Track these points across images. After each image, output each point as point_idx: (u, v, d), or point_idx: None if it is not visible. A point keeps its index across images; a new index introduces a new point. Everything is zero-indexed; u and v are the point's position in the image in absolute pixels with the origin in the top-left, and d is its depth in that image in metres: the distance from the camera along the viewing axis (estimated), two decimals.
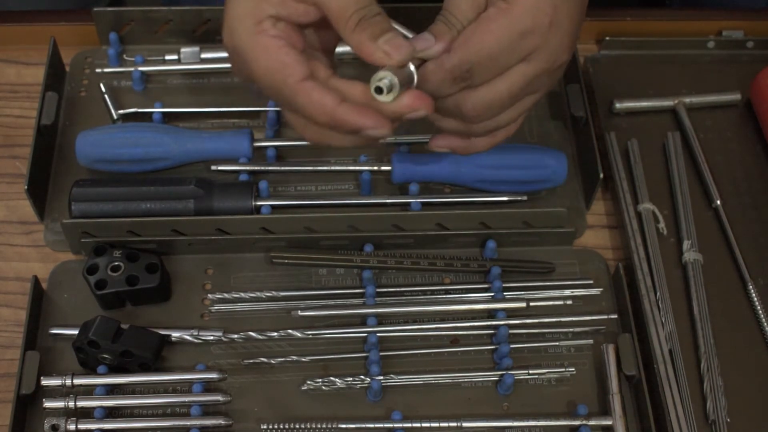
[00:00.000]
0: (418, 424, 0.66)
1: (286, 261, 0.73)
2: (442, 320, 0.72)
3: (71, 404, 0.65)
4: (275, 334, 0.69)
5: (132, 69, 0.82)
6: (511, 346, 0.69)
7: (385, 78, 0.55)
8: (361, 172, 0.77)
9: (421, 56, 0.58)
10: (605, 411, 0.68)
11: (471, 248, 0.75)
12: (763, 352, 0.72)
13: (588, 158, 0.77)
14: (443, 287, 0.73)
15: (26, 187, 0.72)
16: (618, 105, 0.82)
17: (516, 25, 0.58)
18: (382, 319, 0.71)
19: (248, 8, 0.57)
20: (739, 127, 0.83)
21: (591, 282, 0.74)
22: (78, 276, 0.71)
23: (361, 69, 0.83)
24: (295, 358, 0.69)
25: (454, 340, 0.72)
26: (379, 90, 0.55)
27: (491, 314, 0.72)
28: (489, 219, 0.73)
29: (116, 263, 0.70)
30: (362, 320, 0.71)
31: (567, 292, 0.73)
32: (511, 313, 0.71)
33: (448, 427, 0.66)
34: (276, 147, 0.78)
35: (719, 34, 0.87)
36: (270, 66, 0.57)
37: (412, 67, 0.56)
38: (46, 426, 0.65)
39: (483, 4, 0.59)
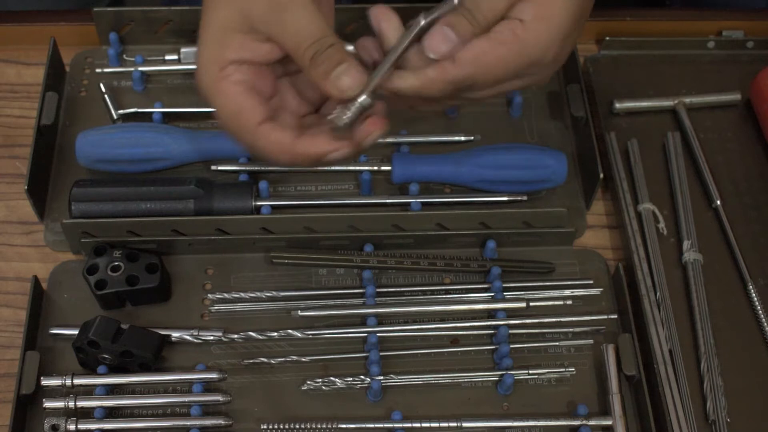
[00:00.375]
0: (418, 424, 0.66)
1: (286, 261, 0.73)
2: (442, 320, 0.72)
3: (71, 404, 0.65)
4: (275, 334, 0.69)
5: (132, 69, 0.82)
6: (511, 346, 0.69)
7: (340, 118, 0.56)
8: (361, 172, 0.77)
9: (441, 58, 0.57)
10: (605, 411, 0.68)
11: (471, 248, 0.75)
12: (763, 352, 0.72)
13: (588, 158, 0.77)
14: (443, 287, 0.73)
15: (26, 187, 0.72)
16: (618, 105, 0.82)
17: (525, 56, 0.58)
18: (382, 319, 0.71)
19: (213, 54, 0.58)
20: (739, 127, 0.83)
21: (591, 282, 0.74)
22: (78, 276, 0.71)
23: None
24: (295, 358, 0.69)
25: (454, 340, 0.72)
26: (339, 129, 0.57)
27: (491, 314, 0.72)
28: (489, 219, 0.73)
29: (116, 263, 0.70)
30: (362, 320, 0.71)
31: (567, 292, 0.73)
32: (511, 313, 0.71)
33: (448, 427, 0.66)
34: None
35: (719, 34, 0.87)
36: (229, 112, 0.58)
37: (363, 96, 0.56)
38: (46, 426, 0.65)
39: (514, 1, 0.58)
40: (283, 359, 0.69)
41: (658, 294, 0.72)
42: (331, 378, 0.68)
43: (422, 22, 0.58)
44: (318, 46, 0.56)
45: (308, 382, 0.68)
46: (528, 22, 0.57)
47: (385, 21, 0.59)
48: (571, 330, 0.72)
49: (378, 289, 0.72)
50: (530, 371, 0.69)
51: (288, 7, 0.56)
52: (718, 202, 0.77)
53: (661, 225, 0.76)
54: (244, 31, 0.58)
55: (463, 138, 0.80)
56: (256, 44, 0.58)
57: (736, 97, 0.83)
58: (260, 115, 0.58)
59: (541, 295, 0.73)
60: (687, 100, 0.83)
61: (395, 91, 0.58)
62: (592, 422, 0.67)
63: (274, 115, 0.59)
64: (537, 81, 0.62)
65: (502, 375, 0.68)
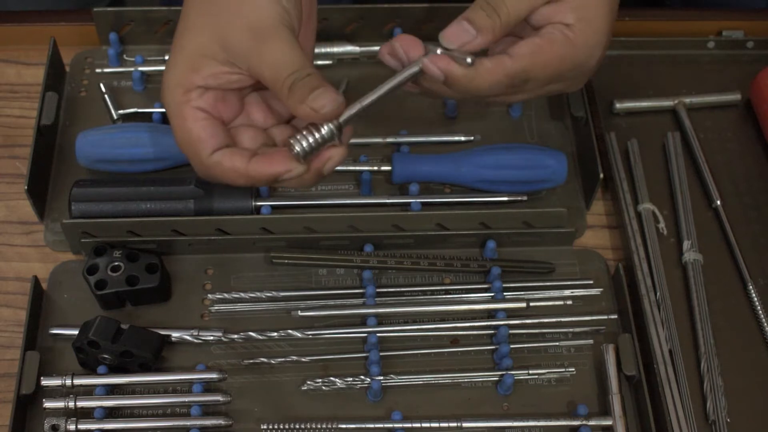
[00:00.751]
0: (418, 424, 0.66)
1: (286, 261, 0.73)
2: (442, 320, 0.72)
3: (71, 404, 0.65)
4: (275, 334, 0.69)
5: (132, 69, 0.82)
6: (511, 346, 0.69)
7: (296, 146, 0.56)
8: (361, 172, 0.77)
9: (464, 49, 0.58)
10: (605, 411, 0.68)
11: (471, 248, 0.75)
12: (763, 352, 0.72)
13: (588, 158, 0.77)
14: (443, 287, 0.73)
15: (26, 187, 0.72)
16: (618, 105, 0.82)
17: (576, 58, 0.59)
18: (382, 320, 0.71)
19: (180, 76, 0.58)
20: (739, 127, 0.83)
21: (591, 282, 0.74)
22: (78, 276, 0.71)
23: (363, 69, 0.83)
24: (295, 358, 0.69)
25: (454, 341, 0.72)
26: (297, 156, 0.57)
27: (491, 314, 0.72)
28: (489, 219, 0.73)
29: (116, 263, 0.70)
30: (362, 320, 0.71)
31: (567, 293, 0.73)
32: (511, 314, 0.71)
33: (448, 428, 0.66)
34: None
35: (719, 34, 0.87)
36: (184, 138, 0.59)
37: (330, 126, 0.56)
38: (46, 426, 0.65)
39: (538, 5, 0.59)
40: (283, 359, 0.69)
41: (658, 294, 0.72)
42: (331, 378, 0.68)
43: (437, 52, 0.58)
44: (296, 76, 0.56)
45: (308, 382, 0.68)
46: (573, 25, 0.59)
47: (414, 50, 0.58)
48: (571, 330, 0.71)
49: (378, 289, 0.72)
50: (530, 371, 0.69)
51: (268, 38, 0.57)
52: (718, 202, 0.77)
53: (661, 225, 0.76)
54: (219, 60, 0.58)
55: (463, 138, 0.80)
56: (227, 74, 0.58)
57: (736, 97, 0.83)
58: (214, 145, 0.58)
59: (541, 295, 0.73)
60: (687, 100, 0.83)
61: (449, 76, 0.58)
62: (592, 422, 0.67)
63: (233, 138, 0.59)
64: (572, 86, 0.63)
65: (502, 375, 0.68)
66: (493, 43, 0.59)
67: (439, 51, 0.58)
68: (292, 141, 0.57)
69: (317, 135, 0.57)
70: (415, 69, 0.58)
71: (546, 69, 0.59)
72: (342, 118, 0.57)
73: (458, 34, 0.58)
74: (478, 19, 0.58)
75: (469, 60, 0.57)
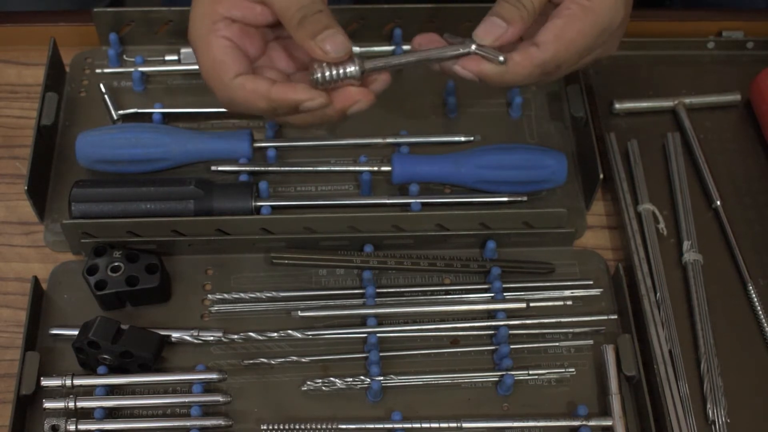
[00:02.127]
0: (418, 425, 0.66)
1: (286, 261, 0.73)
2: (442, 321, 0.72)
3: (71, 405, 0.65)
4: (275, 334, 0.69)
5: (132, 69, 0.82)
6: (511, 346, 0.69)
7: (317, 72, 0.59)
8: (361, 172, 0.77)
9: (494, 44, 0.59)
10: (605, 411, 0.68)
11: (471, 249, 0.75)
12: (763, 352, 0.72)
13: (588, 158, 0.77)
14: (443, 288, 0.73)
15: (26, 187, 0.72)
16: (618, 105, 0.82)
17: (599, 24, 0.60)
18: (382, 320, 0.71)
19: (206, 9, 0.61)
20: (739, 128, 0.83)
21: (591, 282, 0.74)
22: (78, 276, 0.71)
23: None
24: (295, 358, 0.69)
25: (454, 341, 0.72)
26: (315, 81, 0.59)
27: (491, 315, 0.72)
28: (489, 219, 0.73)
29: (116, 264, 0.70)
30: (362, 321, 0.71)
31: (567, 293, 0.73)
32: (511, 314, 0.71)
33: (448, 428, 0.66)
34: (276, 147, 0.78)
35: (719, 35, 0.87)
36: (207, 63, 0.60)
37: (355, 65, 0.58)
38: (46, 426, 0.65)
39: None
40: (283, 360, 0.69)
41: (658, 294, 0.72)
42: (331, 378, 0.68)
43: (471, 48, 0.60)
44: (306, 11, 0.58)
45: (308, 383, 0.68)
46: None
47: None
48: (571, 330, 0.72)
49: (378, 290, 0.72)
50: (530, 372, 0.69)
51: None
52: (718, 203, 0.77)
53: (661, 225, 0.76)
54: None
55: (463, 138, 0.80)
56: (249, 4, 0.60)
57: (736, 97, 0.83)
58: (238, 68, 0.60)
59: (541, 296, 0.73)
60: (687, 100, 0.83)
61: (480, 76, 0.60)
62: (591, 423, 0.67)
63: (256, 70, 0.61)
64: (607, 51, 0.64)
65: (502, 375, 0.68)
66: (524, 31, 0.61)
67: (473, 47, 0.59)
68: (315, 66, 0.58)
69: (340, 69, 0.58)
70: (445, 54, 0.60)
71: (573, 48, 0.60)
72: (367, 66, 0.59)
73: (490, 29, 0.60)
74: (506, 12, 0.60)
75: (501, 58, 0.59)
